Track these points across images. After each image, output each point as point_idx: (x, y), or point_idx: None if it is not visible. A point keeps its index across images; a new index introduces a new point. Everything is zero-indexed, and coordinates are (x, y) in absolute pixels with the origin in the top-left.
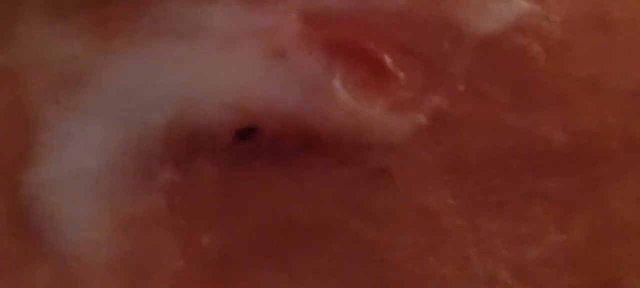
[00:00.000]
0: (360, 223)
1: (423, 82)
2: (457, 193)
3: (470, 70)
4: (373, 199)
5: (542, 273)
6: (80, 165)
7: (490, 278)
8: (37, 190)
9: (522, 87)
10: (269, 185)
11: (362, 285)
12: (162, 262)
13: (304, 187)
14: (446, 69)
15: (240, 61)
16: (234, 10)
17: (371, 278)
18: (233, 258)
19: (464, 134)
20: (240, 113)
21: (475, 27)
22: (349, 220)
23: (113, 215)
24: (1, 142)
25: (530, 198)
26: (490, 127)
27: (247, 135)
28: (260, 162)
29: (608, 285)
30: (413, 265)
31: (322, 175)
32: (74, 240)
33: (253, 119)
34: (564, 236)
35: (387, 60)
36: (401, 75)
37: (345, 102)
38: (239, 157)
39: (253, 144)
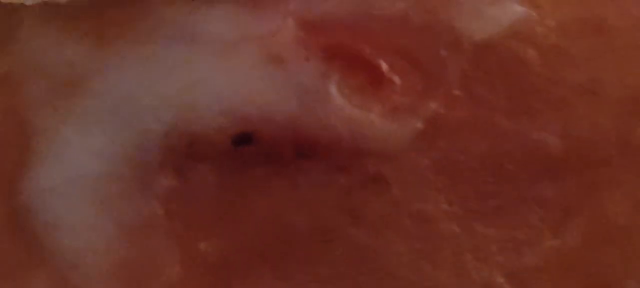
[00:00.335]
0: (357, 230)
1: (419, 87)
2: (453, 199)
3: (466, 76)
4: (370, 206)
5: (538, 279)
6: (78, 172)
7: (486, 285)
8: (35, 198)
9: (517, 93)
10: (266, 191)
11: None
12: (161, 269)
13: (301, 194)
14: (442, 75)
15: (238, 67)
16: (232, 16)
17: (367, 285)
18: (231, 266)
19: (460, 139)
20: (238, 119)
21: (471, 32)
22: (346, 227)
23: (111, 223)
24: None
25: (526, 204)
26: (486, 133)
27: (245, 141)
28: (258, 169)
29: None
30: (409, 272)
31: (319, 181)
32: (72, 248)
33: (251, 126)
34: (559, 241)
35: (384, 65)
36: (397, 80)
37: (342, 108)
38: (237, 164)
39: (251, 150)
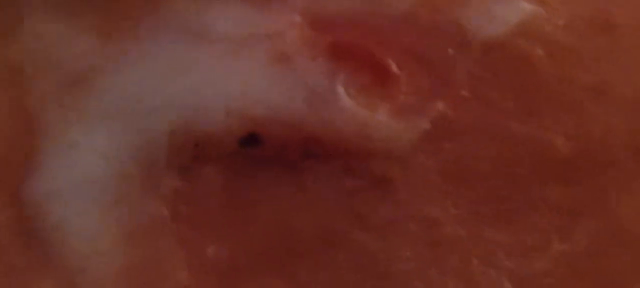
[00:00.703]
0: (364, 234)
1: (427, 87)
2: (460, 202)
3: (474, 76)
4: (376, 209)
5: (547, 285)
6: (85, 173)
7: None
8: (42, 200)
9: (525, 93)
10: (273, 194)
11: None
12: (168, 273)
13: (308, 196)
14: (450, 74)
15: (245, 66)
16: (239, 13)
17: None
18: (238, 270)
19: (467, 141)
20: (245, 120)
21: (478, 31)
22: (352, 230)
23: (118, 226)
24: (6, 148)
25: (534, 208)
26: (493, 134)
27: (252, 142)
28: (265, 171)
29: None
30: (416, 279)
31: (326, 183)
32: (79, 252)
33: (257, 126)
34: (568, 246)
35: (391, 65)
36: (405, 80)
37: (349, 108)
38: (244, 165)
39: (257, 151)
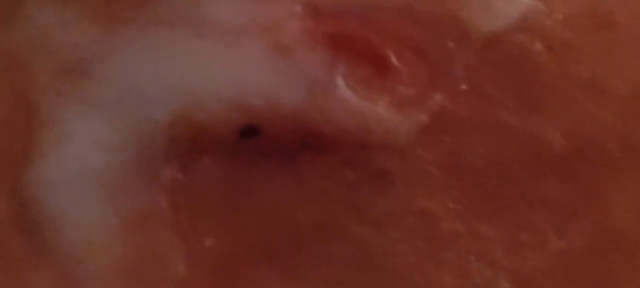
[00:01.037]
0: (361, 227)
1: (426, 79)
2: (458, 197)
3: (473, 69)
4: (374, 202)
5: (542, 284)
6: (82, 163)
7: None
8: (39, 191)
9: (523, 88)
10: (271, 186)
11: None
12: (165, 264)
13: (306, 188)
14: (449, 67)
15: (244, 57)
16: (239, 3)
17: (371, 287)
18: (235, 261)
19: (465, 135)
20: (244, 111)
21: (478, 24)
22: (350, 223)
23: (116, 216)
24: (4, 135)
25: (531, 204)
26: (491, 129)
27: (251, 133)
28: (263, 162)
29: None
30: (413, 273)
31: (324, 175)
32: (77, 242)
33: (256, 117)
34: (564, 244)
35: (391, 56)
36: (404, 72)
37: (348, 99)
38: (242, 156)
39: (256, 143)
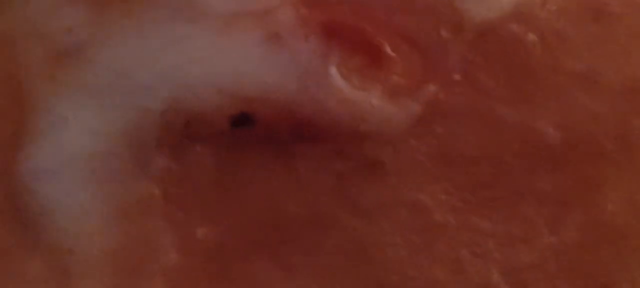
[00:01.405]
0: (354, 219)
1: (419, 69)
2: (450, 188)
3: (466, 60)
4: (366, 193)
5: (535, 278)
6: (73, 151)
7: (482, 282)
8: (30, 178)
9: (517, 79)
10: (263, 175)
11: (355, 286)
12: (157, 254)
13: (298, 178)
14: (443, 57)
15: (236, 45)
16: None
17: (364, 279)
18: (227, 251)
19: (458, 125)
20: (236, 99)
21: (472, 14)
22: (342, 214)
23: (108, 205)
24: None
25: (523, 197)
26: (484, 120)
27: (243, 122)
28: (256, 151)
29: None
30: (405, 266)
31: (316, 166)
32: (68, 232)
33: (249, 106)
34: (556, 238)
35: (384, 45)
36: (397, 61)
37: (342, 89)
38: (234, 145)
39: (248, 132)
